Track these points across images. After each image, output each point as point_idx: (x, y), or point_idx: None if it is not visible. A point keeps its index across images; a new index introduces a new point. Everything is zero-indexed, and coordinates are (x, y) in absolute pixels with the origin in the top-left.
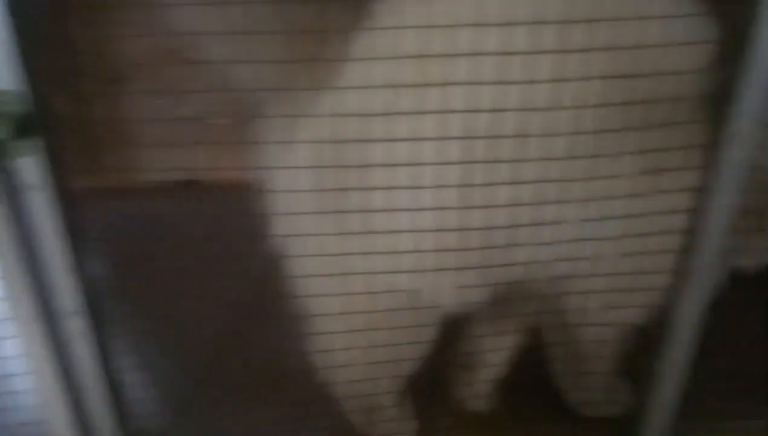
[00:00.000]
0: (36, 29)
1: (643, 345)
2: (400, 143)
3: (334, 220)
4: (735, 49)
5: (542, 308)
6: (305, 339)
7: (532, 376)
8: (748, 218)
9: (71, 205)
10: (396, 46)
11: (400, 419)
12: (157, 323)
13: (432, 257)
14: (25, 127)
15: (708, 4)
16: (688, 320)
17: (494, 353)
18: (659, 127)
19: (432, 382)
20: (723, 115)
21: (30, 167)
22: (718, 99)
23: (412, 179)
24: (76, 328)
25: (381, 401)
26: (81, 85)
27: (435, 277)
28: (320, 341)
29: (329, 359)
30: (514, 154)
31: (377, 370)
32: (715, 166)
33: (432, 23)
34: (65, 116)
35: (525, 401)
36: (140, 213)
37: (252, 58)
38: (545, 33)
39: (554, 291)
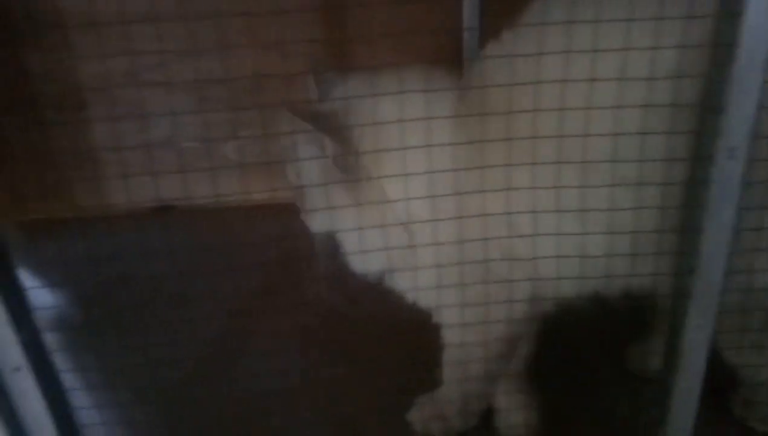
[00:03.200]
0: None
1: None
2: None
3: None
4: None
5: None
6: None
7: None
8: None
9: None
10: None
11: None
12: (122, 370)
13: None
14: None
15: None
16: (691, 344)
17: None
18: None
19: None
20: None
21: None
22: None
23: None
24: (22, 384)
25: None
26: (39, 113)
27: None
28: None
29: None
30: None
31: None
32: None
33: None
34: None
35: None
36: (106, 245)
37: None
38: None
39: None
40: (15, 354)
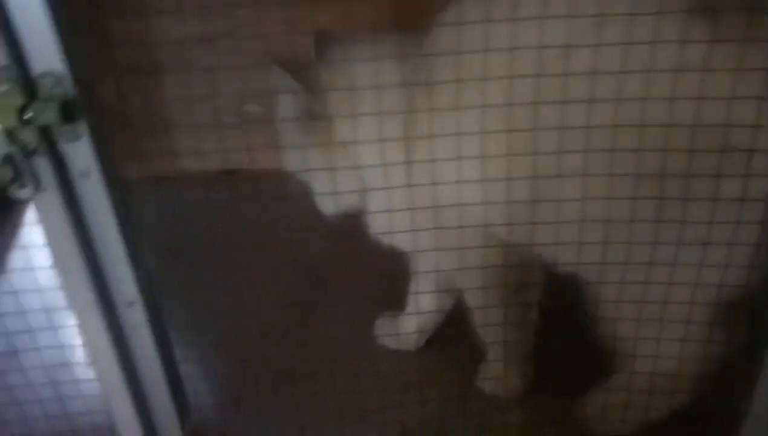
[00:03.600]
0: (77, 16)
1: None
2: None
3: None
4: None
5: None
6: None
7: None
8: None
9: (123, 192)
10: None
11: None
12: (210, 313)
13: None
14: (71, 111)
15: None
16: None
17: None
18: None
19: None
20: None
21: (79, 153)
22: None
23: None
24: (135, 318)
25: None
26: (120, 73)
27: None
28: None
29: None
30: None
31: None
32: None
33: None
34: (109, 104)
35: None
36: (187, 201)
37: None
38: None
39: None
40: (130, 289)
